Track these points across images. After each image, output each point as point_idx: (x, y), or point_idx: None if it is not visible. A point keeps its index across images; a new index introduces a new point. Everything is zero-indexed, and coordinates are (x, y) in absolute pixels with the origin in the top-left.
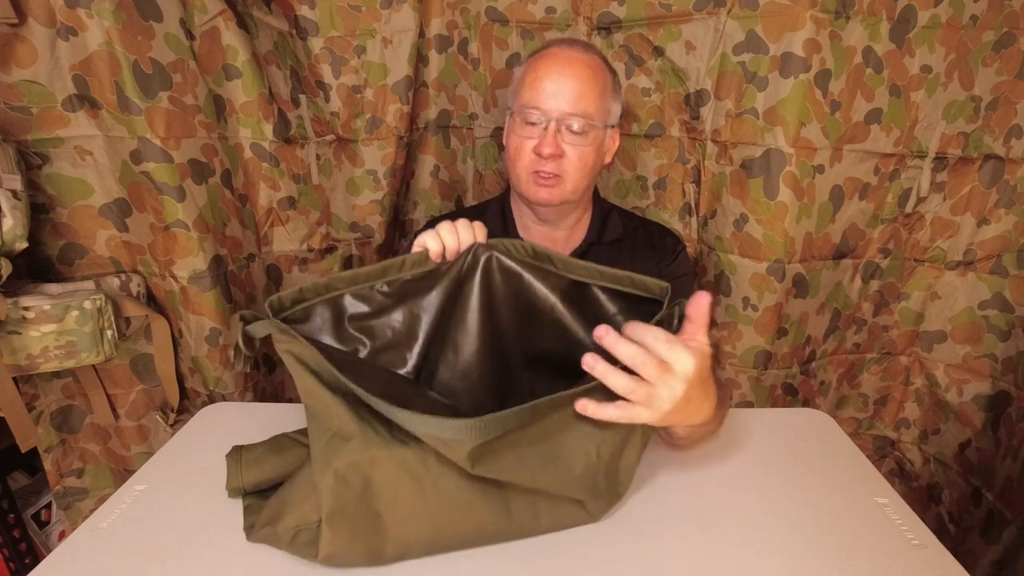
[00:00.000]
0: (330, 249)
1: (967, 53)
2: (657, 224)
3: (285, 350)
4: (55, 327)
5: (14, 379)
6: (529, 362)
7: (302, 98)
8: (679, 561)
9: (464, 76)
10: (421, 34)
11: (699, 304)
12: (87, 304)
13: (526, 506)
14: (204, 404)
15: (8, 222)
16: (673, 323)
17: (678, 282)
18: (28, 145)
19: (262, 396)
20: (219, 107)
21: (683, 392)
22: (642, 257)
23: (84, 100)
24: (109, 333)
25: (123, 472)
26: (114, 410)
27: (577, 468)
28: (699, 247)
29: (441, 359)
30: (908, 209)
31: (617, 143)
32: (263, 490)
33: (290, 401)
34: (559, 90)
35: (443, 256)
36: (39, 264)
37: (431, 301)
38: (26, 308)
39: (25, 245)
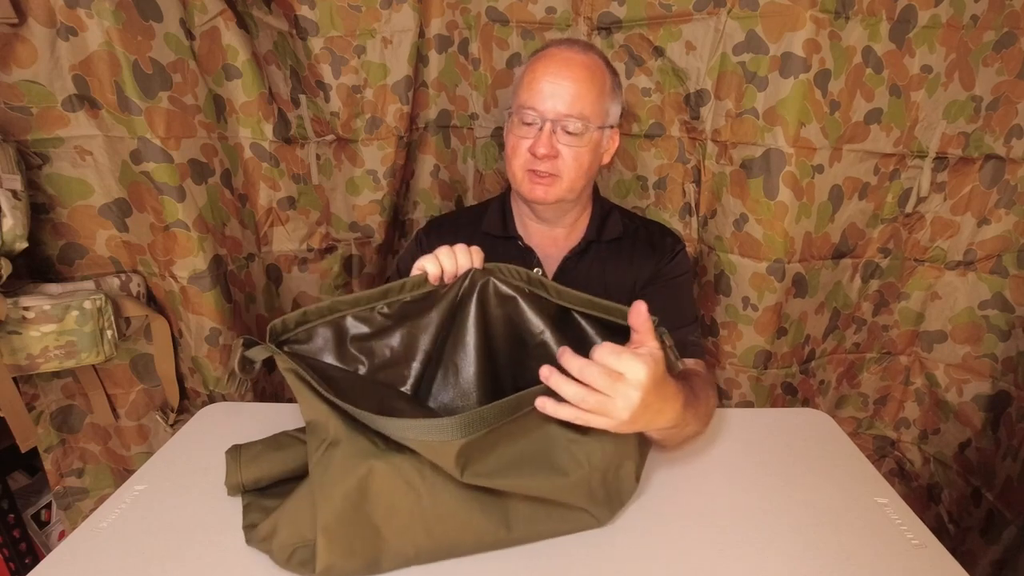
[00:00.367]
0: (330, 249)
1: (967, 53)
2: (657, 224)
3: (286, 368)
4: (55, 327)
5: (14, 379)
6: (517, 391)
7: (302, 98)
8: (679, 561)
9: (465, 76)
10: (421, 34)
11: (638, 313)
12: (87, 304)
13: (527, 514)
14: (204, 404)
15: (8, 222)
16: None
17: (677, 282)
18: (28, 145)
19: (262, 396)
20: (219, 107)
21: (639, 399)
22: (641, 256)
23: (84, 100)
24: (109, 333)
25: (123, 472)
26: (114, 410)
27: (571, 475)
28: (699, 247)
29: (440, 379)
30: (908, 209)
31: (617, 143)
32: (262, 488)
33: (290, 401)
34: (555, 91)
35: (441, 279)
36: (39, 264)
37: (429, 322)
38: (26, 308)
39: (25, 245)
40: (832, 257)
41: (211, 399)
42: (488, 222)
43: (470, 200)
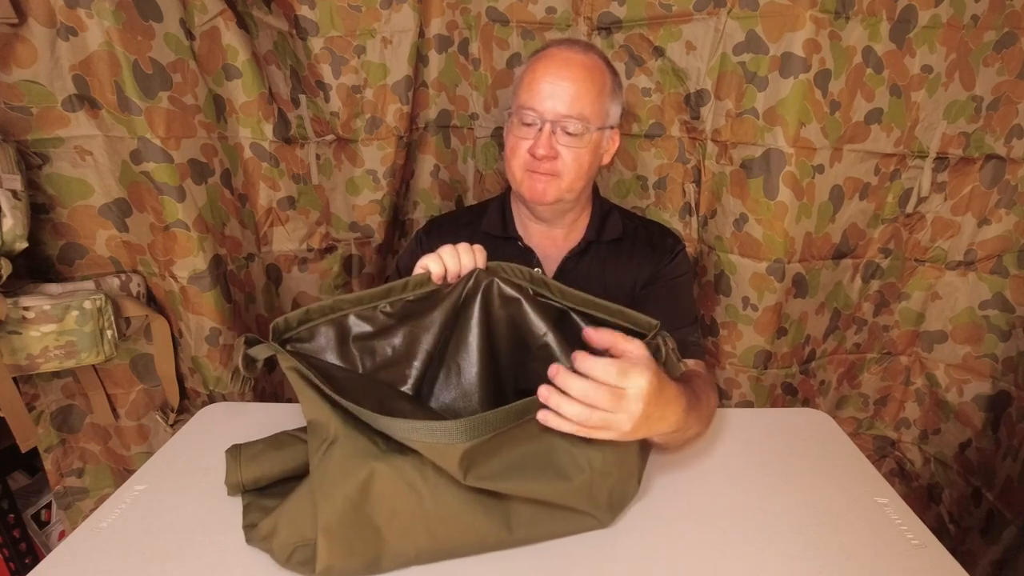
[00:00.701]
0: (330, 249)
1: (968, 53)
2: (657, 224)
3: (288, 367)
4: (55, 327)
5: (14, 379)
6: (519, 393)
7: (302, 98)
8: (679, 561)
9: (465, 76)
10: (421, 34)
11: (599, 336)
12: (87, 304)
13: (529, 516)
14: (204, 404)
15: (8, 222)
16: (662, 356)
17: (677, 282)
18: (28, 145)
19: (262, 396)
20: (219, 107)
21: (641, 411)
22: (641, 257)
23: (84, 100)
24: (109, 333)
25: (123, 472)
26: (114, 410)
27: (574, 479)
28: (699, 247)
29: (443, 379)
30: (909, 209)
31: (617, 143)
32: (262, 488)
33: (290, 401)
34: (554, 92)
35: (444, 278)
36: (39, 264)
37: (431, 322)
38: (26, 308)
39: (25, 245)
40: (832, 257)
41: (211, 399)
42: (488, 222)
43: (470, 200)
